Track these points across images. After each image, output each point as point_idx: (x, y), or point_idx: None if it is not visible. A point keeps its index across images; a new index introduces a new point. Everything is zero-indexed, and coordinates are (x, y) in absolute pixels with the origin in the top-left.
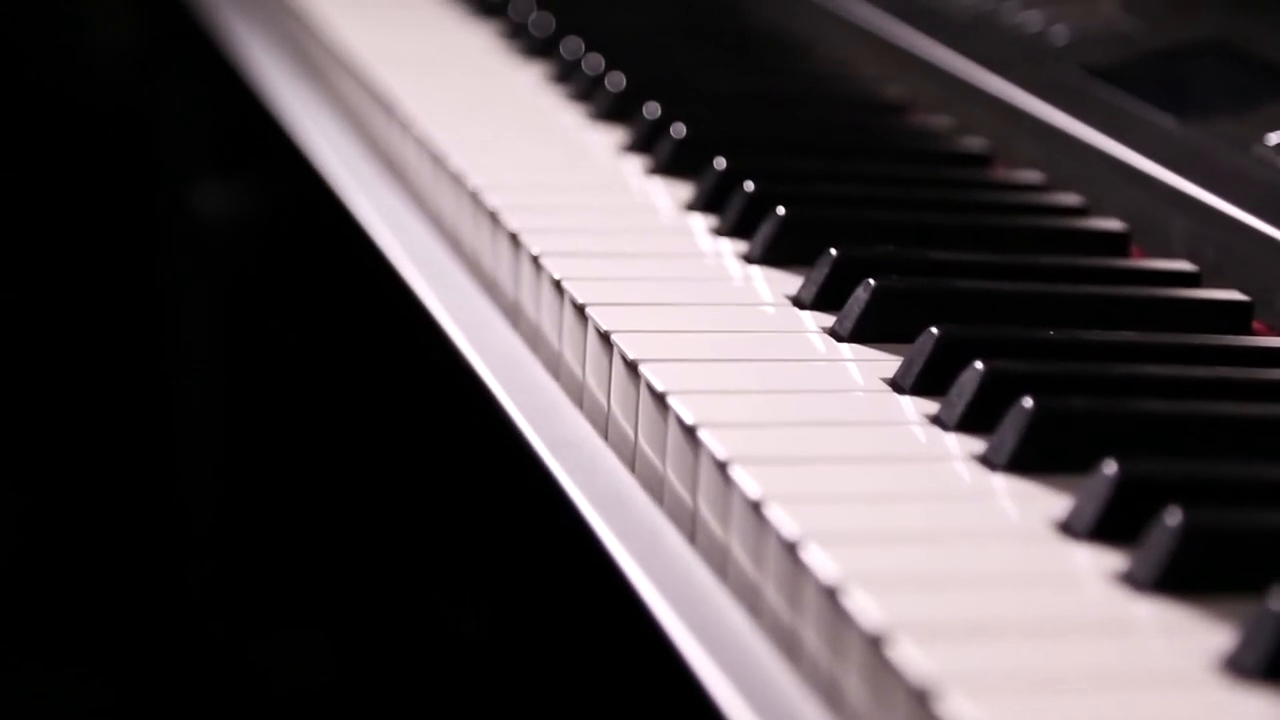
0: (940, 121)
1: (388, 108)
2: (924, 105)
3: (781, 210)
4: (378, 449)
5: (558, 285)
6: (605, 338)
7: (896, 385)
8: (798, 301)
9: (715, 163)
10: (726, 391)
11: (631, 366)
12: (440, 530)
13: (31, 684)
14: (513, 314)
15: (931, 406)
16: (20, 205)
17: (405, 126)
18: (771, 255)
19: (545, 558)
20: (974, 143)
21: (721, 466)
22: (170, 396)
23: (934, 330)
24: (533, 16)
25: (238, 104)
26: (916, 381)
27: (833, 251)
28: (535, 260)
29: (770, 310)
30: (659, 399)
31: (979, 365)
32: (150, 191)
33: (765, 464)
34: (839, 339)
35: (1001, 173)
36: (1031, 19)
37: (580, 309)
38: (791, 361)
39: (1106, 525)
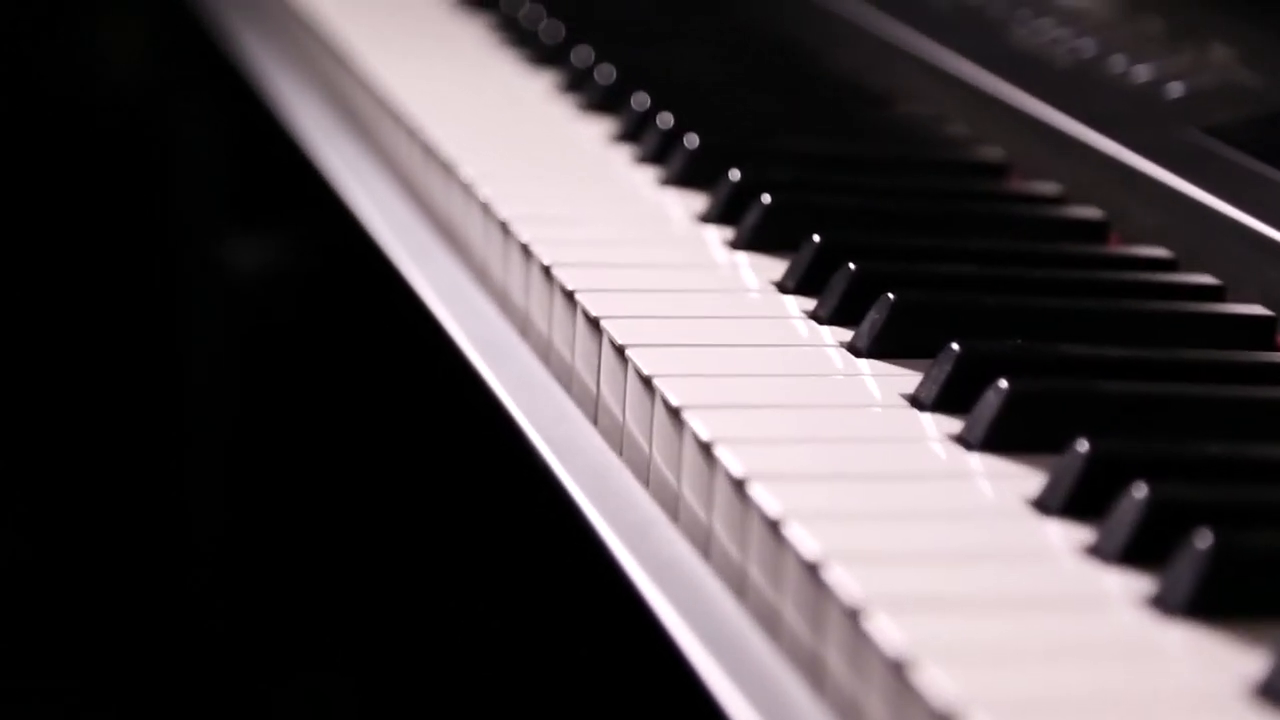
0: (1046, 187)
1: (446, 168)
2: (1024, 167)
3: (891, 296)
4: (417, 514)
5: (647, 381)
6: (707, 449)
7: (1042, 505)
8: (916, 402)
9: (810, 238)
10: (851, 516)
11: (739, 485)
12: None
13: (34, 715)
14: (591, 406)
15: (1086, 534)
16: (40, 238)
17: (467, 189)
18: (882, 346)
19: (597, 614)
20: (1087, 211)
21: (852, 615)
22: (188, 441)
23: (1084, 445)
24: (595, 67)
25: (268, 152)
26: (1066, 502)
27: (955, 346)
28: (620, 351)
29: (886, 413)
30: (772, 526)
31: (1142, 491)
32: (171, 232)
33: (905, 611)
34: (968, 448)
35: (1121, 248)
36: (1139, 72)
37: (675, 412)
38: (919, 479)
39: None
